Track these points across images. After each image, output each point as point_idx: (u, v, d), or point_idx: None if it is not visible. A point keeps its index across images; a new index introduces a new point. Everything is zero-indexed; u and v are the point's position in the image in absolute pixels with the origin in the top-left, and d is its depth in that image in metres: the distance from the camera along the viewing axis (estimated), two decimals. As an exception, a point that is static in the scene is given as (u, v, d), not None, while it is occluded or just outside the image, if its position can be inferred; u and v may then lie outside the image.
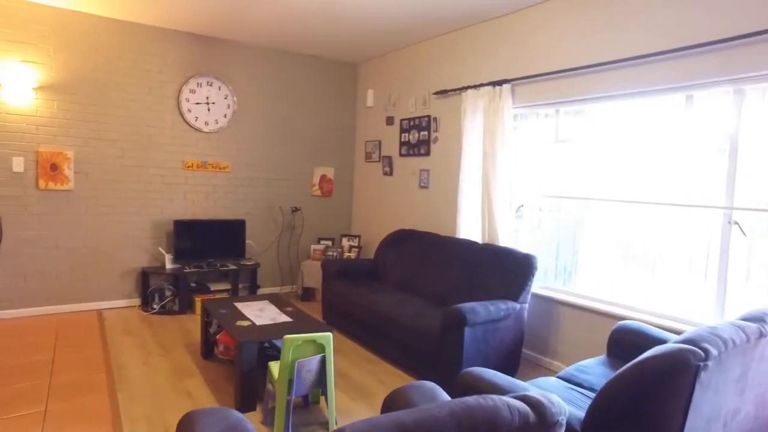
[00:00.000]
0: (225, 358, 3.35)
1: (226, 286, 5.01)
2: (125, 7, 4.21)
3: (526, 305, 3.44)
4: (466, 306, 3.05)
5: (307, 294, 5.40)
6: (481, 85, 4.01)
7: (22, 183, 4.24)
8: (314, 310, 4.86)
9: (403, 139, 5.13)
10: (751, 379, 1.84)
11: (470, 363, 3.05)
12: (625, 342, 2.66)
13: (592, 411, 1.68)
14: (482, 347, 3.13)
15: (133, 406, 2.82)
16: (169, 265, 4.79)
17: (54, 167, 4.34)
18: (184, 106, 4.90)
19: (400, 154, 5.18)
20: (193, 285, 4.89)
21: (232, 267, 4.96)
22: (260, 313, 3.27)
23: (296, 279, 5.68)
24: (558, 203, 3.76)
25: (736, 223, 2.75)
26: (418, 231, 4.57)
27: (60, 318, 4.33)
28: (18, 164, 4.20)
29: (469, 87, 4.13)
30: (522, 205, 3.99)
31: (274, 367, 2.66)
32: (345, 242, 5.59)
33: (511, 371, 3.38)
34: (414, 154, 4.98)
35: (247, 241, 5.28)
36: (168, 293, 4.70)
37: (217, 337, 3.33)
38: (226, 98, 5.12)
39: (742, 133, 2.73)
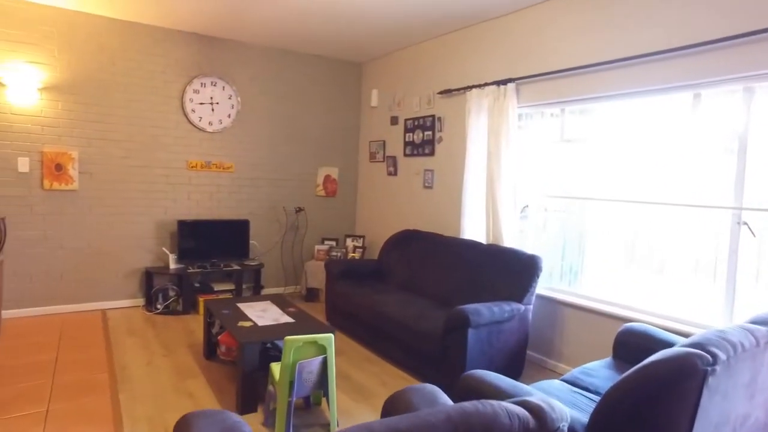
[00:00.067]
0: (227, 358, 3.34)
1: (230, 286, 5.01)
2: (129, 8, 4.22)
3: (531, 306, 3.40)
4: (470, 307, 3.01)
5: (311, 294, 5.39)
6: (486, 84, 3.97)
7: (27, 183, 4.26)
8: (318, 311, 4.84)
9: (407, 139, 5.10)
10: (761, 384, 1.79)
11: (474, 365, 3.02)
12: (632, 344, 2.62)
13: (595, 415, 1.65)
14: (486, 349, 3.10)
15: (135, 406, 2.81)
16: (172, 266, 4.80)
17: (59, 167, 4.35)
18: (188, 106, 4.90)
19: (405, 154, 5.15)
20: (197, 285, 4.89)
21: (236, 267, 4.95)
22: (262, 313, 3.25)
23: (300, 279, 5.67)
24: (563, 203, 3.72)
25: (746, 223, 2.70)
26: (422, 231, 4.54)
27: (64, 318, 4.34)
28: (23, 164, 4.22)
29: (473, 86, 4.09)
30: (527, 206, 3.95)
31: (276, 368, 2.64)
32: (349, 242, 5.56)
33: (516, 373, 3.34)
34: (418, 154, 4.95)
35: (250, 242, 5.27)
36: (171, 293, 4.70)
37: (219, 337, 3.33)
38: (230, 98, 5.11)
39: (752, 132, 2.67)
